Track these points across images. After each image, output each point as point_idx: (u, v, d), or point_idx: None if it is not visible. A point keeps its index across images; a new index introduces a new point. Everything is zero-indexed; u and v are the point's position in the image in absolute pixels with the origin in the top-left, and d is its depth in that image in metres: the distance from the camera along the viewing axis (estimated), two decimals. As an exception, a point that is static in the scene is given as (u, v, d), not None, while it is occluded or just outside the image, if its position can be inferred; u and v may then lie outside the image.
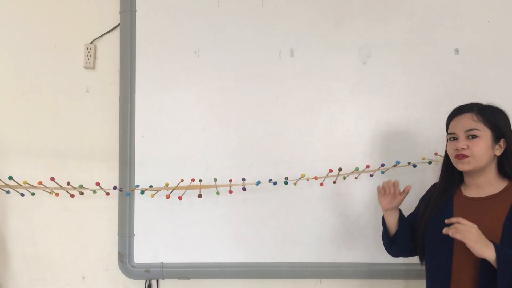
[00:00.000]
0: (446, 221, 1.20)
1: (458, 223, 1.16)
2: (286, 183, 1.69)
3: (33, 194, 1.69)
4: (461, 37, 1.80)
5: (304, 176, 1.68)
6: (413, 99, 1.79)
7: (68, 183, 1.68)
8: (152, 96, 1.81)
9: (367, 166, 1.73)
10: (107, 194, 1.73)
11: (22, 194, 1.68)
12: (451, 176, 1.36)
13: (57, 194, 1.68)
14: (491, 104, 1.31)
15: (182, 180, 1.73)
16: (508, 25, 1.80)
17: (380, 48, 1.80)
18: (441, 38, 1.80)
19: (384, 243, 1.53)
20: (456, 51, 1.80)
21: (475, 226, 1.15)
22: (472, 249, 1.13)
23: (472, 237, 1.13)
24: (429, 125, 1.77)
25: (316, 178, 1.70)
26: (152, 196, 1.71)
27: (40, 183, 1.65)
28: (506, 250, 1.14)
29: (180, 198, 1.68)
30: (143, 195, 1.73)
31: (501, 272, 1.12)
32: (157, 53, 1.82)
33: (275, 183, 1.69)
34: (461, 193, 1.33)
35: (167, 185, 1.73)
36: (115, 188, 1.74)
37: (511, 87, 1.78)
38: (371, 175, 1.73)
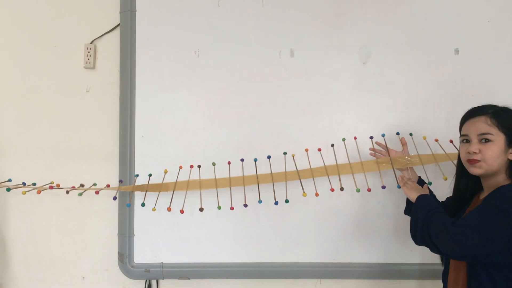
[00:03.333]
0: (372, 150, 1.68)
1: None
2: (287, 201, 1.67)
3: (34, 183, 1.70)
4: (461, 37, 1.80)
5: (305, 194, 1.67)
6: (413, 99, 1.79)
7: (68, 192, 1.68)
8: (152, 96, 1.81)
9: (368, 190, 1.70)
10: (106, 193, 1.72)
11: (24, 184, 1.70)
12: (465, 179, 1.34)
13: (57, 185, 1.69)
14: (507, 107, 1.27)
15: (181, 167, 1.73)
16: (508, 25, 1.80)
17: (380, 48, 1.80)
18: (441, 38, 1.80)
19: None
20: (456, 51, 1.80)
21: (414, 183, 1.48)
22: (406, 194, 1.44)
23: (409, 186, 1.44)
24: (429, 125, 1.77)
25: (317, 194, 1.68)
26: (154, 210, 1.71)
27: (39, 192, 1.65)
28: (428, 196, 1.36)
29: (181, 212, 1.67)
30: (143, 194, 1.73)
31: (414, 210, 1.33)
32: (157, 53, 1.82)
33: (276, 203, 1.68)
34: (478, 196, 1.32)
35: (166, 172, 1.72)
36: (115, 198, 1.72)
37: (511, 87, 1.78)
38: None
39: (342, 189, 1.68)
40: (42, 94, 1.88)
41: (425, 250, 1.34)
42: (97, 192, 1.68)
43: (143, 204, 1.71)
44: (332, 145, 1.74)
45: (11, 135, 1.87)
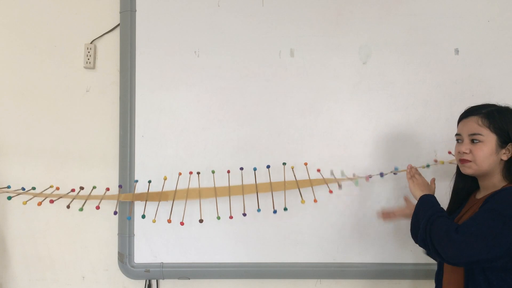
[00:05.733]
0: None
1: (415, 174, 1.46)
2: (285, 209, 1.69)
3: (34, 188, 1.72)
4: (461, 37, 1.80)
5: (303, 202, 1.68)
6: (413, 99, 1.79)
7: (68, 207, 1.69)
8: (152, 96, 1.81)
9: (367, 178, 1.72)
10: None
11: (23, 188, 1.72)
12: (463, 178, 1.34)
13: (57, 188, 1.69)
14: (504, 106, 1.26)
15: (180, 174, 1.74)
16: (508, 25, 1.80)
17: (380, 48, 1.80)
18: (441, 38, 1.80)
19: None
20: (456, 51, 1.80)
21: (422, 177, 1.44)
22: (410, 189, 1.41)
23: (415, 181, 1.41)
24: (429, 125, 1.77)
25: (315, 201, 1.70)
26: (154, 221, 1.72)
27: (40, 204, 1.66)
28: (431, 197, 1.32)
29: (181, 224, 1.69)
30: (142, 193, 1.73)
31: (415, 210, 1.32)
32: (157, 53, 1.82)
33: (275, 212, 1.69)
34: (474, 196, 1.33)
35: (165, 178, 1.73)
36: (115, 213, 1.73)
37: (511, 87, 1.78)
38: (370, 177, 1.73)
39: (340, 186, 1.69)
40: (42, 94, 1.88)
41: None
42: (97, 208, 1.68)
43: (143, 216, 1.72)
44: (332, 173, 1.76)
45: (11, 136, 1.87)
